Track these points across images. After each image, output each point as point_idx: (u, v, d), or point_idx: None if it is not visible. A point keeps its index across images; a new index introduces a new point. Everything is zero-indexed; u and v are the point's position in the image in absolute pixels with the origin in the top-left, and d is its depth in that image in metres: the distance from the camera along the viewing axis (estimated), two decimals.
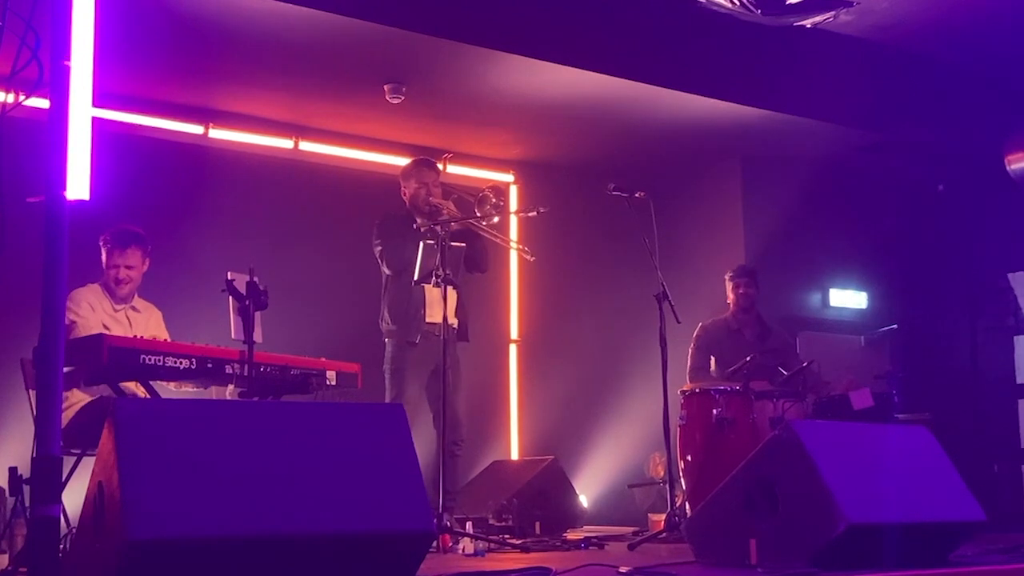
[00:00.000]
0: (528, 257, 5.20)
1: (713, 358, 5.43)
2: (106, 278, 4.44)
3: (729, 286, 5.71)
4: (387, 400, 4.90)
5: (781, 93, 6.18)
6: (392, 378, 4.95)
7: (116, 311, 4.40)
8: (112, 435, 2.44)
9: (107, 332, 4.18)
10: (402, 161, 6.47)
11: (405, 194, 5.14)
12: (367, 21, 5.04)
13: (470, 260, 5.02)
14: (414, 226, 4.77)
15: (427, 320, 4.89)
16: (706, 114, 6.23)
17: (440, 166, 6.60)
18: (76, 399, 4.12)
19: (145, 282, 4.57)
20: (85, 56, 3.32)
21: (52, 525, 2.51)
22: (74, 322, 4.18)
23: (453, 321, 4.96)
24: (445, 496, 4.33)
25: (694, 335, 5.63)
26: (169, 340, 4.28)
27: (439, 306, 4.83)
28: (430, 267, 4.50)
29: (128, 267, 4.40)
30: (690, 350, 5.61)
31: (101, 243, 4.45)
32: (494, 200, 4.90)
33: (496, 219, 4.95)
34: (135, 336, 4.23)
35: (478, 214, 4.88)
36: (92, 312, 4.28)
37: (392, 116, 6.18)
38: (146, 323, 4.47)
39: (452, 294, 4.88)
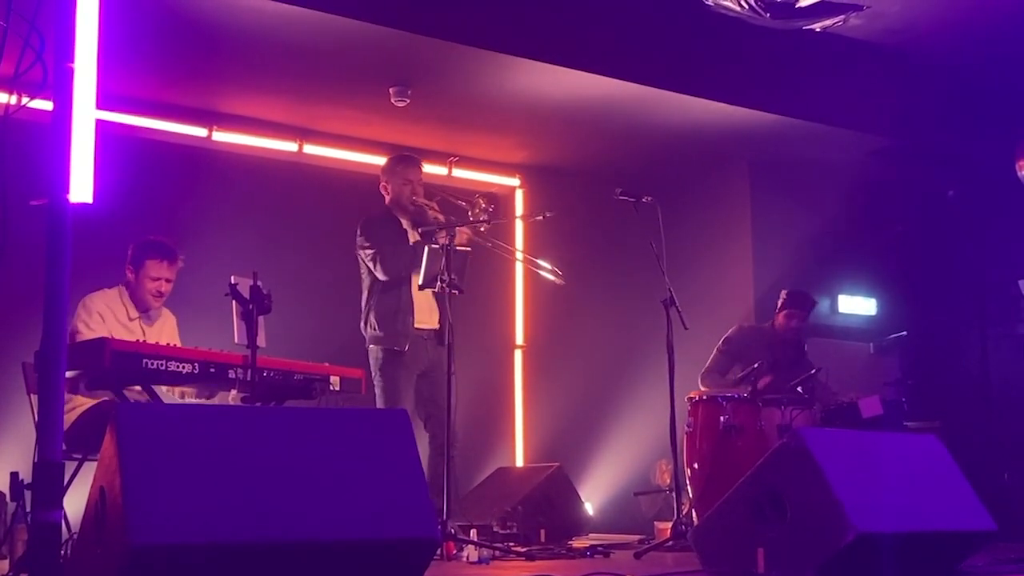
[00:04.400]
0: (559, 280, 4.95)
1: (738, 366, 5.30)
2: (138, 290, 4.34)
3: (782, 311, 5.55)
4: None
5: (790, 97, 6.16)
6: (385, 387, 4.85)
7: (131, 320, 4.34)
8: (114, 440, 2.42)
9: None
10: None
11: (387, 191, 5.04)
12: (372, 23, 5.02)
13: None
14: (420, 230, 4.72)
15: (415, 326, 4.85)
16: (714, 118, 6.20)
17: (446, 170, 6.61)
18: (79, 402, 4.09)
19: None
20: (89, 58, 3.31)
21: (53, 531, 2.51)
22: (79, 331, 4.14)
23: (435, 326, 4.91)
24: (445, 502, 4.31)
25: (727, 335, 5.52)
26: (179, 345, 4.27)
27: (428, 311, 4.82)
28: (434, 272, 4.47)
29: (168, 280, 4.38)
30: (715, 350, 5.50)
31: (136, 255, 4.35)
32: (484, 205, 4.80)
33: (482, 228, 4.81)
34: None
35: (471, 219, 4.79)
36: (102, 322, 4.23)
37: (397, 119, 6.16)
38: (159, 331, 4.44)
39: (431, 300, 4.83)
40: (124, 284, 4.40)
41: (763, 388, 4.98)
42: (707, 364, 5.50)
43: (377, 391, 4.89)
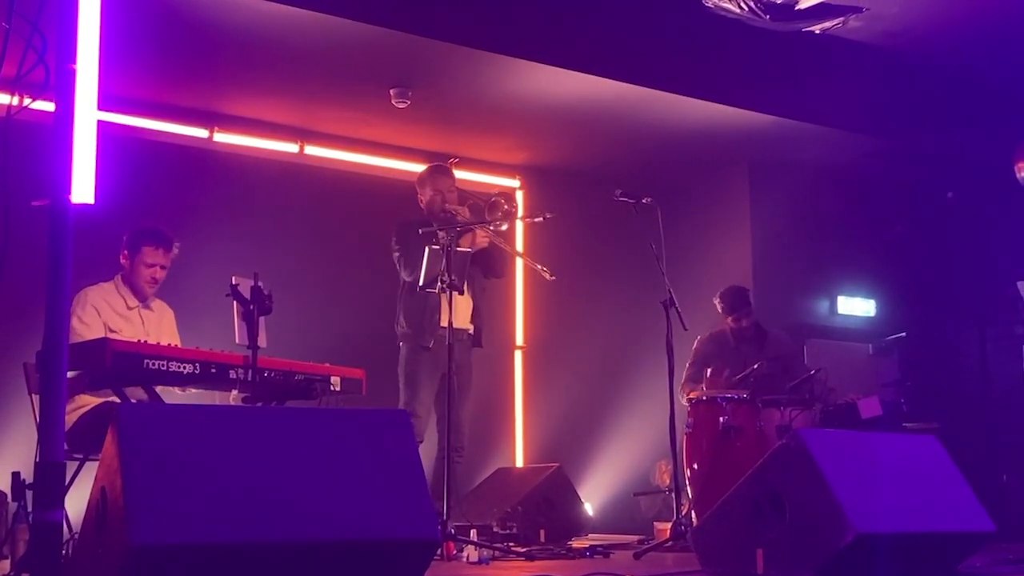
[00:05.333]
0: (548, 276, 5.10)
1: (709, 370, 5.38)
2: (133, 276, 4.35)
3: (728, 317, 5.58)
4: (401, 404, 4.91)
5: (789, 99, 6.17)
6: (407, 382, 4.98)
7: (129, 310, 4.35)
8: (115, 440, 2.43)
9: (113, 334, 4.16)
10: (407, 165, 6.48)
11: (421, 201, 5.16)
12: (373, 25, 5.03)
13: (486, 266, 5.04)
14: (420, 231, 4.76)
15: (442, 325, 4.88)
16: (713, 120, 6.21)
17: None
18: (84, 402, 4.10)
19: None
20: (90, 60, 3.31)
21: (55, 531, 2.51)
22: (73, 327, 4.14)
23: (468, 327, 4.97)
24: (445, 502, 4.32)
25: (692, 348, 5.59)
26: (179, 343, 4.27)
27: (461, 312, 4.85)
28: (435, 273, 4.49)
29: (163, 267, 4.39)
30: (687, 365, 5.56)
31: (132, 241, 4.36)
32: (505, 207, 4.91)
33: (504, 226, 4.95)
34: (147, 335, 4.24)
35: (488, 220, 4.87)
36: (97, 316, 4.24)
37: (398, 120, 6.17)
38: (159, 322, 4.45)
39: (468, 300, 4.90)
40: (120, 273, 4.40)
41: (751, 376, 5.00)
42: (682, 378, 5.49)
43: (400, 386, 4.99)
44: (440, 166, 5.32)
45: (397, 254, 5.01)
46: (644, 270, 5.22)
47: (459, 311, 4.88)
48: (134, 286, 4.38)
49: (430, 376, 4.94)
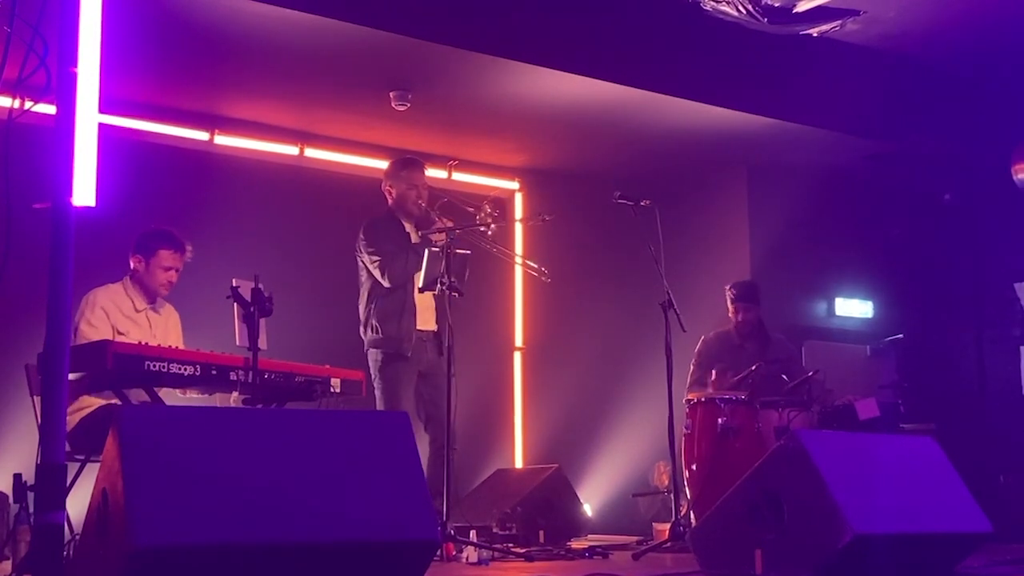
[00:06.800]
0: (544, 278, 5.07)
1: (714, 371, 5.40)
2: (148, 279, 4.33)
3: (729, 307, 5.64)
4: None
5: (787, 102, 6.18)
6: (386, 389, 4.85)
7: (138, 312, 4.34)
8: (116, 442, 2.44)
9: (121, 336, 4.16)
10: None
11: (390, 194, 5.02)
12: (373, 28, 5.05)
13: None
14: (421, 234, 4.75)
15: (418, 328, 4.87)
16: (712, 123, 6.23)
17: (445, 173, 6.63)
18: (86, 403, 4.10)
19: None
20: (92, 63, 3.33)
21: (56, 532, 2.52)
22: (81, 329, 4.15)
23: (434, 328, 4.91)
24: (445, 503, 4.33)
25: (696, 349, 5.60)
26: (182, 345, 4.28)
27: (430, 313, 4.84)
28: (435, 275, 4.48)
29: (177, 270, 4.39)
30: (692, 364, 5.58)
31: (145, 244, 4.34)
32: (489, 210, 4.82)
33: (493, 227, 4.86)
34: (153, 338, 4.25)
35: (478, 223, 4.81)
36: (105, 318, 4.23)
37: (397, 123, 6.19)
38: (165, 325, 4.44)
39: (431, 302, 4.85)
40: (130, 275, 4.38)
41: (749, 378, 5.02)
42: (689, 379, 5.52)
43: (377, 393, 4.89)
44: (413, 160, 5.20)
45: (375, 257, 4.83)
46: (643, 272, 5.23)
47: (426, 313, 4.87)
48: (146, 288, 4.36)
49: (408, 381, 4.87)
